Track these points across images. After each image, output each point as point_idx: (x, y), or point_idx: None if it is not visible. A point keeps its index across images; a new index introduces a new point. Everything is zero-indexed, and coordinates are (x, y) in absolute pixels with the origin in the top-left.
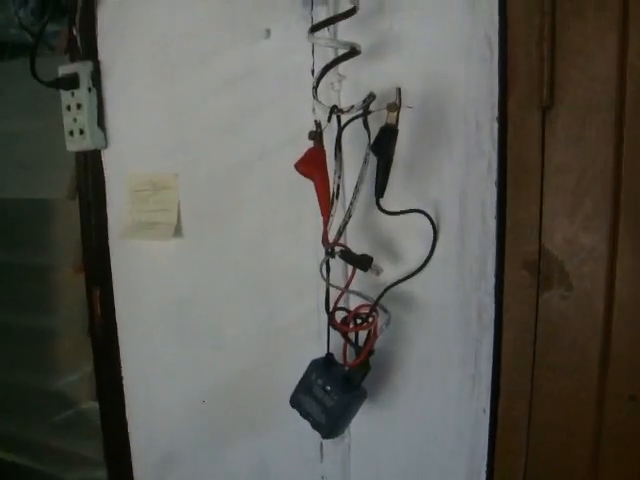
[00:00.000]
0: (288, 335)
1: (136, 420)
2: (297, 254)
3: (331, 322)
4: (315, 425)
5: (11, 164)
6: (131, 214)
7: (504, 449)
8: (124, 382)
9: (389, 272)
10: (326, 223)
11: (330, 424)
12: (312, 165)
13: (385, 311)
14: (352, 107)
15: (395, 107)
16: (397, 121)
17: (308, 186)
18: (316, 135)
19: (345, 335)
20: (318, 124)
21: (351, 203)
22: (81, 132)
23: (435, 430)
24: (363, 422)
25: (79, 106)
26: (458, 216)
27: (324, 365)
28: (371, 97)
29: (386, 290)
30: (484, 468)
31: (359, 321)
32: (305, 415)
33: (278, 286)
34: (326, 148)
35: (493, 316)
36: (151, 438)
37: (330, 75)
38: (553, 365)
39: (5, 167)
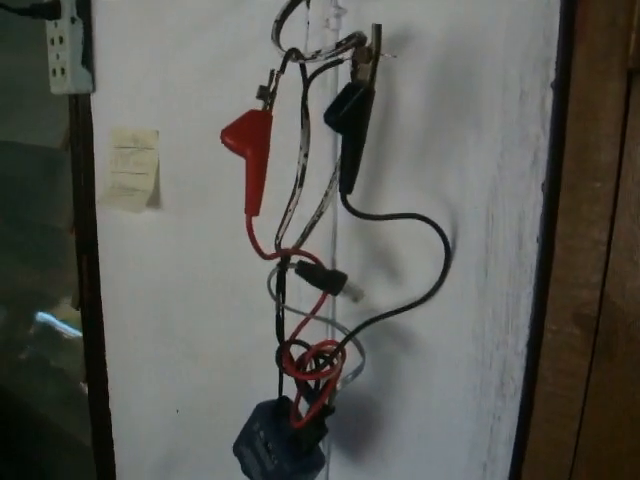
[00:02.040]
0: (266, 350)
1: (118, 413)
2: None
3: (278, 360)
4: None
5: (12, 105)
6: (112, 175)
7: None
8: (107, 369)
9: (384, 298)
10: (250, 224)
11: None
12: (246, 136)
13: (361, 353)
14: (318, 52)
15: (368, 55)
16: (372, 77)
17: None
18: (266, 93)
19: (297, 381)
20: (274, 76)
21: (326, 194)
22: (62, 72)
23: None
24: None
25: (62, 40)
26: (484, 231)
27: (271, 414)
28: (353, 38)
29: (365, 325)
30: None
31: (322, 362)
32: (245, 471)
33: (256, 289)
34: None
35: (521, 386)
36: (130, 436)
37: (326, 8)
38: (605, 473)
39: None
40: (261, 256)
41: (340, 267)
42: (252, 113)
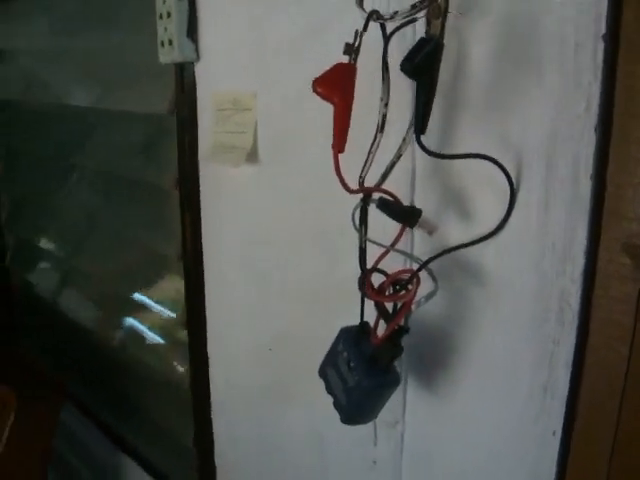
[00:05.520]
0: (351, 288)
1: (216, 357)
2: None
3: (361, 285)
4: (336, 405)
5: (121, 76)
6: (214, 135)
7: None
8: (207, 314)
9: (456, 234)
10: (337, 160)
11: (349, 408)
12: (334, 85)
13: (434, 280)
14: (396, 13)
15: (438, 12)
16: (442, 32)
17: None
18: (351, 49)
19: (376, 304)
20: (358, 34)
21: (404, 140)
22: (170, 43)
23: (494, 441)
24: (420, 411)
25: (169, 14)
26: (544, 170)
27: (354, 336)
28: (426, 1)
29: (437, 256)
30: None
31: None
32: (329, 391)
33: (341, 232)
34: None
35: (578, 312)
36: (227, 379)
37: None
38: None
39: (114, 79)
40: (346, 190)
41: (417, 205)
42: (339, 66)
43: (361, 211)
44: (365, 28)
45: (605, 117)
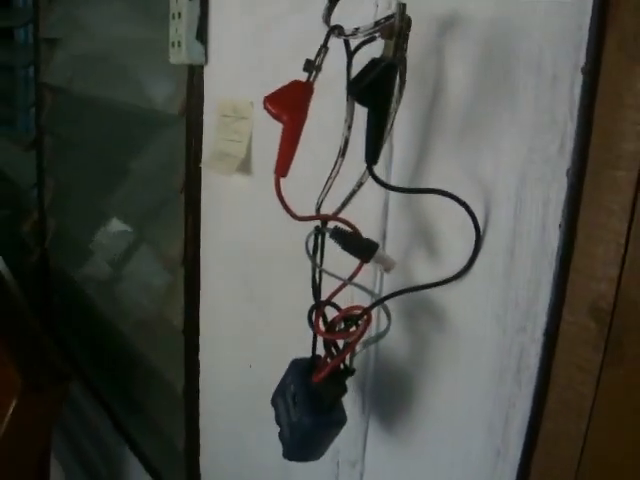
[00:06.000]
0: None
1: (206, 366)
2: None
3: (309, 318)
4: (280, 437)
5: (139, 71)
6: (215, 141)
7: None
8: (200, 321)
9: (424, 273)
10: (278, 185)
11: (290, 444)
12: (286, 103)
13: (388, 318)
14: (357, 30)
15: (391, 32)
16: (395, 53)
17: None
18: (311, 66)
19: (324, 341)
20: (322, 50)
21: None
22: (179, 44)
23: None
24: (381, 453)
25: (180, 15)
26: (513, 214)
27: (303, 370)
28: (391, 18)
29: (394, 295)
30: None
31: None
32: (277, 421)
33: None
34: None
35: (536, 374)
36: (215, 390)
37: None
38: (609, 472)
39: (133, 74)
40: (291, 216)
41: (389, 239)
42: (294, 83)
43: (315, 239)
44: (325, 44)
45: (579, 161)
